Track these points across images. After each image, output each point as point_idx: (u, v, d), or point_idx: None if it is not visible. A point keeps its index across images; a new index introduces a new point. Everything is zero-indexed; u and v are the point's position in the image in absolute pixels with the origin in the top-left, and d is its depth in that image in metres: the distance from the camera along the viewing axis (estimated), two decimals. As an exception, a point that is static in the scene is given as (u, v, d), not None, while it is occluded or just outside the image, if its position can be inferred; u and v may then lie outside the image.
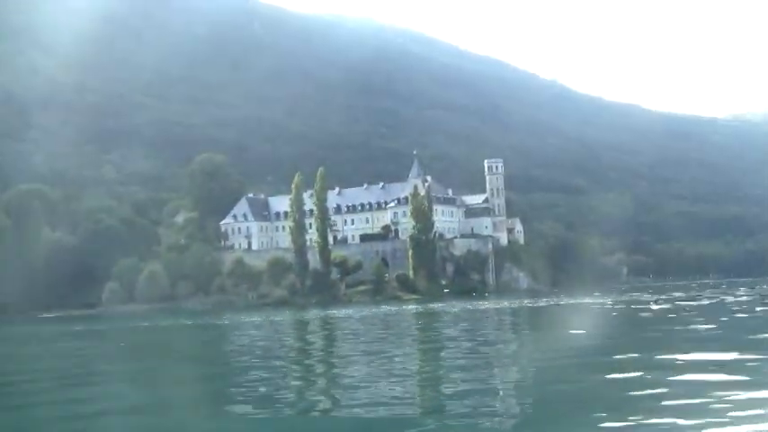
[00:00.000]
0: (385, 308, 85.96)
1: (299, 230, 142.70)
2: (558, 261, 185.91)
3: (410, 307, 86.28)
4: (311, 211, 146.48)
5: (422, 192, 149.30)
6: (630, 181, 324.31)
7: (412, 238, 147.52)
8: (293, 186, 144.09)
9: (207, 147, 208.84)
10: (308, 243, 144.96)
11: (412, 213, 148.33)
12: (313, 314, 76.40)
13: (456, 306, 75.27)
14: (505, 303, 79.34)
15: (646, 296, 76.32)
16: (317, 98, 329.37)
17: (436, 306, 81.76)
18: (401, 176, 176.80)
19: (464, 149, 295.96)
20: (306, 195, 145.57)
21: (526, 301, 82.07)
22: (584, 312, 51.99)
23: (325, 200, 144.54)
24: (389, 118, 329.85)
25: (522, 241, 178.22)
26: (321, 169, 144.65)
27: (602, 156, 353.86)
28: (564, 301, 76.62)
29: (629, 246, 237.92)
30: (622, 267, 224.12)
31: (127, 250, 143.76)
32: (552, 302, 73.60)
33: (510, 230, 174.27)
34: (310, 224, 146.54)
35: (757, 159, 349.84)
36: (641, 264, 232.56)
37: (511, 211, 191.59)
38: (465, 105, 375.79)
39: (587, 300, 74.09)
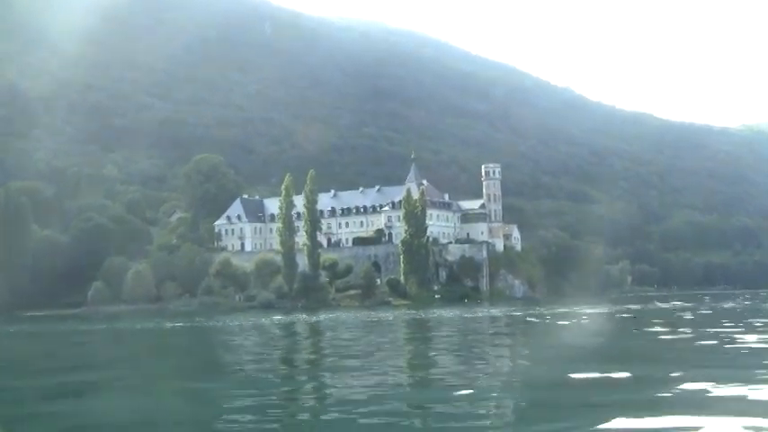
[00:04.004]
0: (348, 314, 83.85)
1: (287, 232, 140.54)
2: (561, 269, 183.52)
3: (373, 314, 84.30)
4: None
5: (415, 196, 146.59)
6: (641, 190, 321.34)
7: (403, 242, 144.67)
8: (283, 188, 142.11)
9: (212, 147, 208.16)
10: (299, 245, 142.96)
11: (404, 217, 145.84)
12: (274, 320, 74.25)
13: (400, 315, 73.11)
14: (456, 312, 77.09)
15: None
16: (326, 101, 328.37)
17: (384, 314, 79.76)
18: (404, 181, 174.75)
19: (474, 155, 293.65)
20: (299, 197, 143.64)
21: (513, 309, 78.74)
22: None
23: (315, 202, 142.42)
24: (399, 122, 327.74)
25: (518, 248, 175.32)
26: (311, 171, 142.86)
27: (613, 164, 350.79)
28: (551, 310, 73.05)
29: (635, 254, 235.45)
30: (627, 276, 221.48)
31: (118, 249, 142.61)
32: (532, 313, 70.19)
33: (507, 237, 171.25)
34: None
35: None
36: (646, 273, 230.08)
37: (516, 217, 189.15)
38: (476, 111, 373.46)
39: (583, 310, 70.36)
